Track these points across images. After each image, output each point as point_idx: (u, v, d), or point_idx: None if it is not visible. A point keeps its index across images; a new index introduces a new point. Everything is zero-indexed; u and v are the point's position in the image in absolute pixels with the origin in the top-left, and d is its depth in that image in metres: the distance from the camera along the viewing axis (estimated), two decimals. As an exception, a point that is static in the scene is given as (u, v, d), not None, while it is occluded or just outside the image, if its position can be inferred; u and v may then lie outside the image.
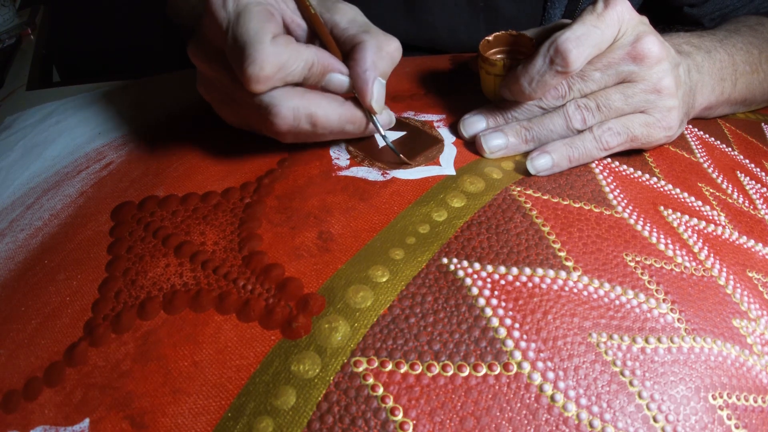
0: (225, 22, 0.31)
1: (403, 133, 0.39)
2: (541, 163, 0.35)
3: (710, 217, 0.36)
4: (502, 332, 0.27)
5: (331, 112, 0.33)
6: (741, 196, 0.39)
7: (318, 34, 0.35)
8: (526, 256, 0.30)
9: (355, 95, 0.35)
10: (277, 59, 0.30)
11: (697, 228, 0.35)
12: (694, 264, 0.32)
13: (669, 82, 0.35)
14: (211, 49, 0.34)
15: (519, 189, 0.34)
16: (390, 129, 0.39)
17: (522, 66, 0.35)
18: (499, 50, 0.41)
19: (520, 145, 0.37)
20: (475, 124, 0.38)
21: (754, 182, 0.41)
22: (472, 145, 0.38)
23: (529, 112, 0.37)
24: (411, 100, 0.43)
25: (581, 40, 0.33)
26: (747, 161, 0.42)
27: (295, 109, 0.32)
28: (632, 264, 0.31)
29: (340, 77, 0.34)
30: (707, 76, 0.41)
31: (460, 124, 0.38)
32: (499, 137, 0.36)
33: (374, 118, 0.35)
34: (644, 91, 0.35)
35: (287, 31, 0.35)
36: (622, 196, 0.35)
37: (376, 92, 0.34)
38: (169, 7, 0.50)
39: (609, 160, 0.38)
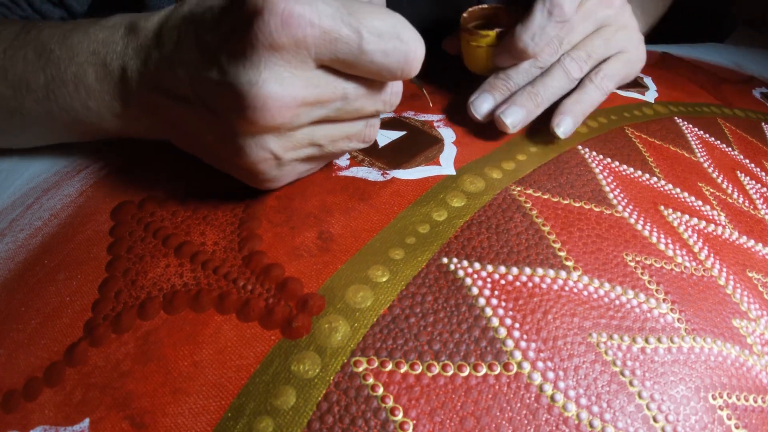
0: (351, 39, 0.25)
1: (403, 133, 0.39)
2: (569, 125, 0.37)
3: (710, 217, 0.36)
4: (502, 332, 0.27)
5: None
6: (741, 196, 0.39)
7: None
8: (526, 256, 0.30)
9: None
10: (405, 21, 0.27)
11: (697, 228, 0.35)
12: (694, 264, 0.32)
13: (633, 20, 0.40)
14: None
15: (519, 188, 0.34)
16: (390, 129, 0.39)
17: (521, 25, 0.36)
18: (477, 24, 0.42)
19: (535, 110, 0.38)
20: (484, 103, 0.39)
21: (754, 182, 0.41)
22: (471, 145, 0.38)
23: (527, 73, 0.38)
24: (411, 100, 0.43)
25: None
26: (747, 161, 0.42)
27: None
28: (632, 264, 0.31)
29: None
30: (639, 10, 0.47)
31: (470, 108, 0.39)
32: (516, 111, 0.37)
33: None
34: (618, 32, 0.39)
35: None
36: (622, 195, 0.35)
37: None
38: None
39: (609, 160, 0.38)
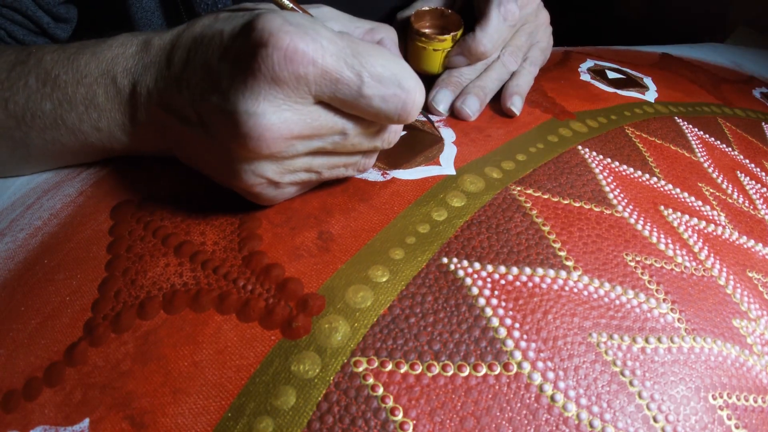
0: (351, 82, 0.26)
1: (403, 132, 0.39)
2: (519, 102, 0.42)
3: (710, 217, 0.36)
4: (502, 332, 0.27)
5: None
6: (741, 196, 0.39)
7: None
8: (526, 256, 0.30)
9: None
10: (407, 68, 0.27)
11: (697, 228, 0.35)
12: (694, 264, 0.32)
13: (546, 14, 0.46)
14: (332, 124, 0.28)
15: (519, 188, 0.34)
16: None
17: (480, 30, 0.40)
18: (423, 25, 0.44)
19: (485, 100, 0.42)
20: (445, 98, 0.41)
21: (754, 182, 0.41)
22: (471, 145, 0.38)
23: (476, 70, 0.43)
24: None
25: None
26: (747, 161, 0.42)
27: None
28: (632, 264, 0.31)
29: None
30: None
31: (432, 104, 0.41)
32: (474, 101, 0.41)
33: None
34: (537, 27, 0.45)
35: None
36: (622, 195, 0.35)
37: None
38: None
39: (609, 160, 0.38)
